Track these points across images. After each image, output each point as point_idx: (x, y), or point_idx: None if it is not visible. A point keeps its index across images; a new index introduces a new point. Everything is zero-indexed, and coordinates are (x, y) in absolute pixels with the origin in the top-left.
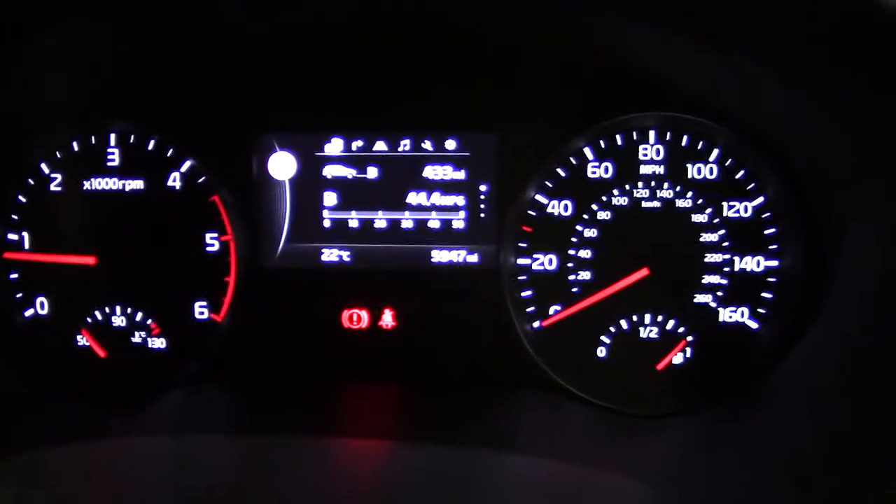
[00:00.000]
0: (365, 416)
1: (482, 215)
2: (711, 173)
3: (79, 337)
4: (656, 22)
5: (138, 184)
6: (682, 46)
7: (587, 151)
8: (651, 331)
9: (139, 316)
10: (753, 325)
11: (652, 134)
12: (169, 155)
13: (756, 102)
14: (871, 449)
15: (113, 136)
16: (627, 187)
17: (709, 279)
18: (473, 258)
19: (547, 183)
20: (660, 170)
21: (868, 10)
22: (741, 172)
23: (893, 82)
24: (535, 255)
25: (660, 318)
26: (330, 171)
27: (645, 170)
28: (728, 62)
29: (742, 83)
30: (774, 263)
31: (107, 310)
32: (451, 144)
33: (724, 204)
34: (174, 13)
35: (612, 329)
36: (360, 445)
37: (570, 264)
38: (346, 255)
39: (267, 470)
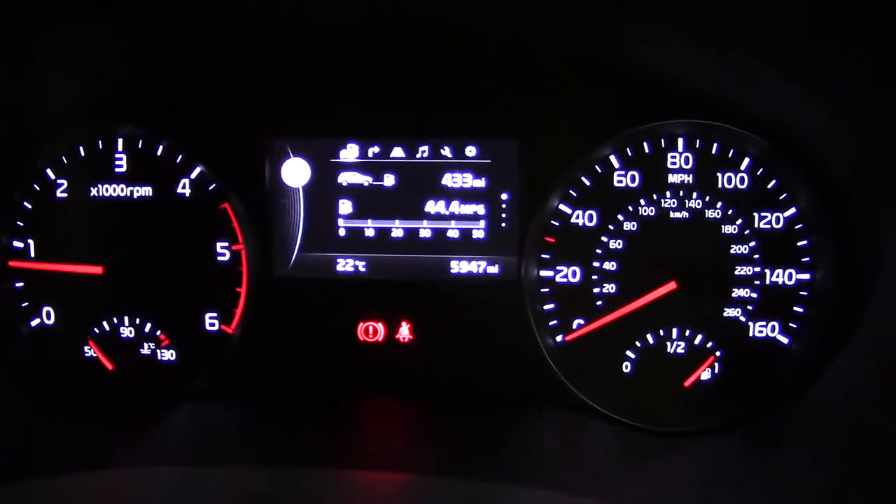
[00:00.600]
0: (380, 441)
1: (503, 225)
2: (742, 183)
3: (86, 348)
4: (682, 27)
5: (146, 190)
6: (710, 53)
7: (613, 159)
8: (678, 346)
9: (148, 327)
10: (784, 340)
11: (681, 142)
12: (178, 161)
13: (787, 110)
14: None
15: (120, 141)
16: (655, 197)
17: (738, 292)
18: (494, 269)
19: (571, 192)
20: (689, 179)
21: None
22: (773, 182)
23: None
24: (558, 267)
25: (687, 333)
26: (345, 178)
27: (673, 179)
28: (758, 69)
29: (771, 90)
30: (807, 277)
31: (114, 320)
32: (471, 151)
33: (755, 215)
34: (179, 12)
35: (638, 344)
36: (375, 478)
37: (594, 277)
38: (361, 266)
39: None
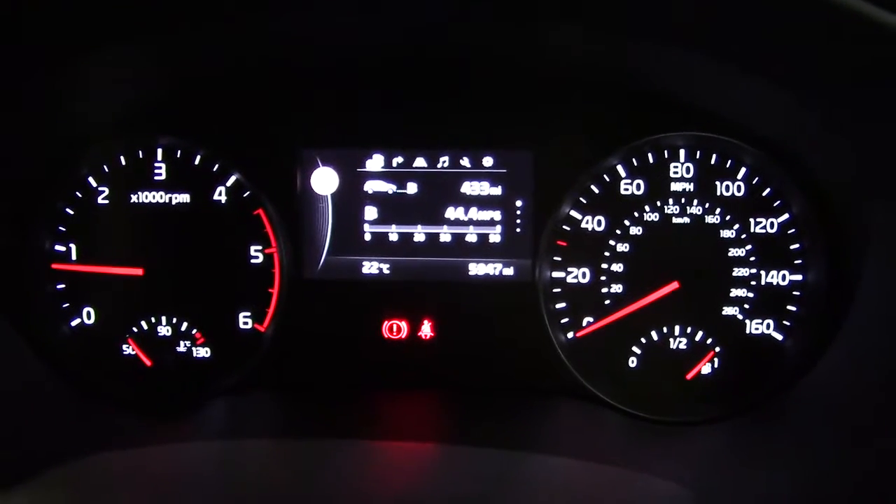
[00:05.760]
0: (406, 421)
1: (518, 230)
2: (739, 190)
3: (124, 346)
4: (687, 49)
5: (184, 197)
6: (711, 72)
7: (620, 169)
8: (680, 342)
9: (184, 326)
10: (779, 336)
11: (682, 152)
12: (214, 169)
13: (780, 124)
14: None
15: (160, 151)
16: (658, 204)
17: (736, 292)
18: (509, 271)
19: (581, 199)
20: (690, 187)
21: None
22: (767, 190)
23: None
24: (569, 269)
25: (689, 330)
26: (371, 186)
27: (675, 187)
28: (754, 87)
29: (767, 106)
30: (799, 277)
31: (152, 319)
32: (488, 161)
33: (751, 220)
34: (219, 34)
35: (643, 340)
36: (401, 448)
37: (603, 278)
38: (385, 268)
39: (311, 473)
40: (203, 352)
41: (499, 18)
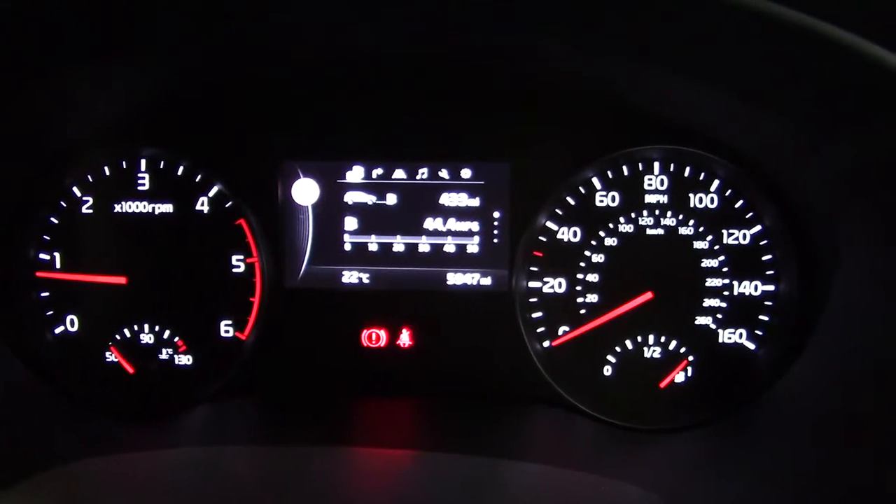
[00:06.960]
0: (384, 429)
1: (495, 241)
2: (712, 202)
3: (107, 353)
4: (661, 66)
5: (167, 207)
6: (685, 88)
7: (595, 181)
8: (654, 351)
9: (167, 334)
10: (751, 346)
11: (656, 165)
12: (197, 180)
13: (752, 138)
14: (864, 465)
15: (143, 162)
16: (633, 215)
17: (709, 302)
18: (487, 281)
19: (557, 210)
20: (664, 199)
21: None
22: (740, 202)
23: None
24: (545, 279)
25: (663, 339)
26: (351, 197)
27: (650, 199)
28: (725, 102)
29: (740, 122)
30: (771, 288)
31: (135, 327)
32: (466, 173)
33: (724, 231)
34: (203, 48)
35: (618, 349)
36: (379, 456)
37: (578, 287)
38: (365, 278)
39: (291, 480)
40: (185, 359)
41: (483, 33)
